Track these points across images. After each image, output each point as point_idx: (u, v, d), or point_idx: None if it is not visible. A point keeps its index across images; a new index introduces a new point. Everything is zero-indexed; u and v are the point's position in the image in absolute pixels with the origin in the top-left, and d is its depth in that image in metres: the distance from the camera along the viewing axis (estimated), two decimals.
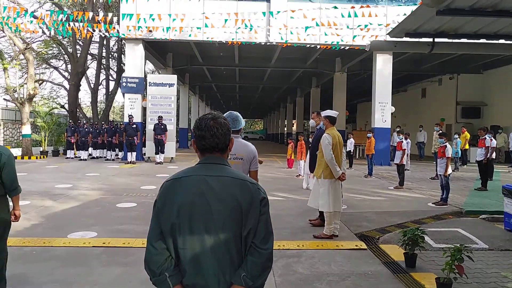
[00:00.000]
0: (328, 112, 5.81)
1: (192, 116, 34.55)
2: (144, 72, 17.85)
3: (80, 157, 17.22)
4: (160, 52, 20.85)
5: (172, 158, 16.41)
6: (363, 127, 31.57)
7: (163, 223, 1.59)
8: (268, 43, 16.51)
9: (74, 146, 17.86)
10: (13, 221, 3.53)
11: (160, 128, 15.57)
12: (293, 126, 43.71)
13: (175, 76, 17.74)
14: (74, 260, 4.51)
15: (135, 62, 16.62)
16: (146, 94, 16.95)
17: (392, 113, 16.81)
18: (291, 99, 39.02)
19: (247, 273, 1.55)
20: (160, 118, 15.67)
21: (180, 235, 1.57)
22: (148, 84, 16.77)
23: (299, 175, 12.22)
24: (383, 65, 16.57)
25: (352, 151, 14.96)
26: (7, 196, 3.46)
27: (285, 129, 44.89)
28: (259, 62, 23.25)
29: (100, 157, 18.16)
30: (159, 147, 15.55)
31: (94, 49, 27.46)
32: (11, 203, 3.52)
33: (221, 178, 1.60)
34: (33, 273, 4.10)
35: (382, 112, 16.47)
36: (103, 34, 16.20)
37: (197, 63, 23.09)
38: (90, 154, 17.99)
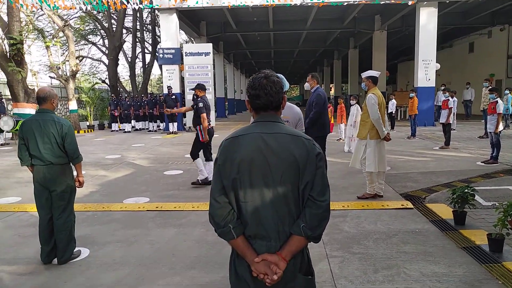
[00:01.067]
0: (370, 73, 5.65)
1: (228, 85, 34.63)
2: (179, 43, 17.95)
3: (124, 129, 17.93)
4: (193, 20, 20.78)
5: (212, 127, 16.68)
6: (404, 87, 30.36)
7: (224, 179, 1.66)
8: (303, 4, 15.98)
9: (118, 119, 18.58)
10: (77, 187, 3.83)
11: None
12: (331, 90, 42.74)
13: (210, 44, 17.73)
14: (132, 223, 4.84)
15: (170, 32, 16.71)
16: (183, 64, 17.11)
17: (436, 71, 16.03)
18: (327, 62, 37.99)
19: (306, 224, 1.62)
20: None
21: (241, 190, 1.64)
22: (184, 54, 16.89)
23: (340, 138, 12.11)
24: (427, 20, 15.65)
25: (393, 112, 14.53)
26: (71, 164, 3.73)
27: None
28: (294, 25, 22.65)
29: (143, 128, 18.81)
30: None
31: (128, 22, 27.85)
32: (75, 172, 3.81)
33: (276, 135, 1.65)
34: (97, 234, 4.46)
35: (426, 71, 15.73)
36: (137, 5, 16.31)
37: (230, 30, 22.86)
38: (133, 126, 18.68)
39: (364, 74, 5.67)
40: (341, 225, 4.53)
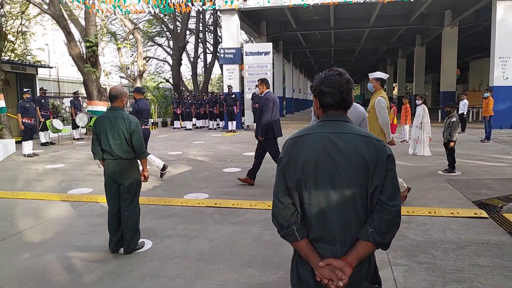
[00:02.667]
0: (378, 74, 5.32)
1: (287, 84, 34.58)
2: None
3: (185, 127, 18.60)
4: (254, 20, 21.00)
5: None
6: (477, 87, 28.19)
7: (288, 179, 1.61)
8: (367, 1, 15.45)
9: (180, 117, 19.32)
10: (143, 181, 4.00)
11: (258, 97, 15.86)
12: (394, 90, 41.03)
13: (270, 44, 17.79)
14: (191, 218, 4.97)
15: (231, 32, 17.01)
16: (243, 63, 17.37)
17: None
18: (391, 60, 36.49)
19: (375, 229, 1.53)
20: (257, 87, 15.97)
21: (305, 191, 1.59)
22: (244, 53, 17.13)
23: (404, 140, 11.55)
24: (505, 14, 14.39)
25: (465, 113, 13.53)
26: (137, 159, 3.91)
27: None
28: (356, 22, 22.03)
29: (203, 126, 19.38)
30: None
31: (191, 23, 28.83)
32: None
33: (345, 135, 1.58)
34: (159, 227, 4.64)
35: (503, 68, 14.46)
36: (201, 7, 16.81)
37: (290, 29, 22.79)
38: (194, 124, 19.31)
39: (373, 75, 5.34)
40: (406, 232, 4.28)
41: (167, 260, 3.71)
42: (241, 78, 17.66)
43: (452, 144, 7.05)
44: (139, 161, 3.96)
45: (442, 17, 20.31)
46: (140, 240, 4.00)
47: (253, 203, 5.49)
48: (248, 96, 16.67)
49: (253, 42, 25.79)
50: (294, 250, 1.69)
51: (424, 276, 3.27)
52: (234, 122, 16.39)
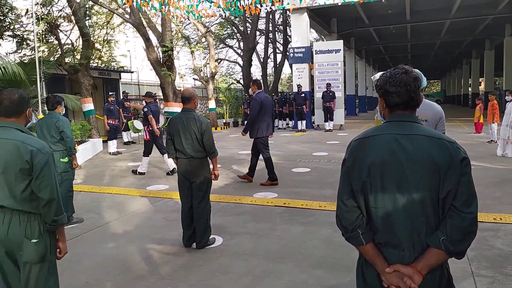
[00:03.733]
0: (379, 75, 4.79)
1: (359, 82, 33.50)
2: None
3: None
4: (324, 18, 20.64)
5: (341, 125, 16.37)
6: None
7: (353, 182, 1.57)
8: None
9: None
10: (213, 180, 4.15)
11: (329, 96, 15.62)
12: (480, 85, 37.63)
13: (341, 41, 17.35)
14: (260, 216, 5.03)
15: (301, 31, 16.90)
16: (313, 62, 17.19)
17: None
18: (477, 53, 33.44)
19: (447, 237, 1.43)
20: (328, 85, 15.69)
21: (371, 194, 1.53)
22: (314, 52, 16.92)
23: (491, 140, 10.55)
24: None
25: None
26: (208, 158, 4.06)
27: (469, 89, 39.06)
28: (435, 14, 20.59)
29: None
30: (328, 114, 15.67)
31: (261, 24, 29.17)
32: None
33: (414, 137, 1.50)
34: (229, 224, 4.77)
35: None
36: (270, 8, 16.93)
37: (362, 25, 22.02)
38: None
39: (375, 78, 4.84)
40: (492, 241, 3.91)
41: (237, 256, 3.80)
42: (311, 77, 17.48)
43: None
44: (209, 160, 4.11)
45: None
46: (211, 236, 4.15)
47: (322, 204, 5.41)
48: (318, 95, 16.45)
49: (323, 40, 25.39)
50: (360, 253, 1.66)
51: None
52: (304, 122, 16.26)
